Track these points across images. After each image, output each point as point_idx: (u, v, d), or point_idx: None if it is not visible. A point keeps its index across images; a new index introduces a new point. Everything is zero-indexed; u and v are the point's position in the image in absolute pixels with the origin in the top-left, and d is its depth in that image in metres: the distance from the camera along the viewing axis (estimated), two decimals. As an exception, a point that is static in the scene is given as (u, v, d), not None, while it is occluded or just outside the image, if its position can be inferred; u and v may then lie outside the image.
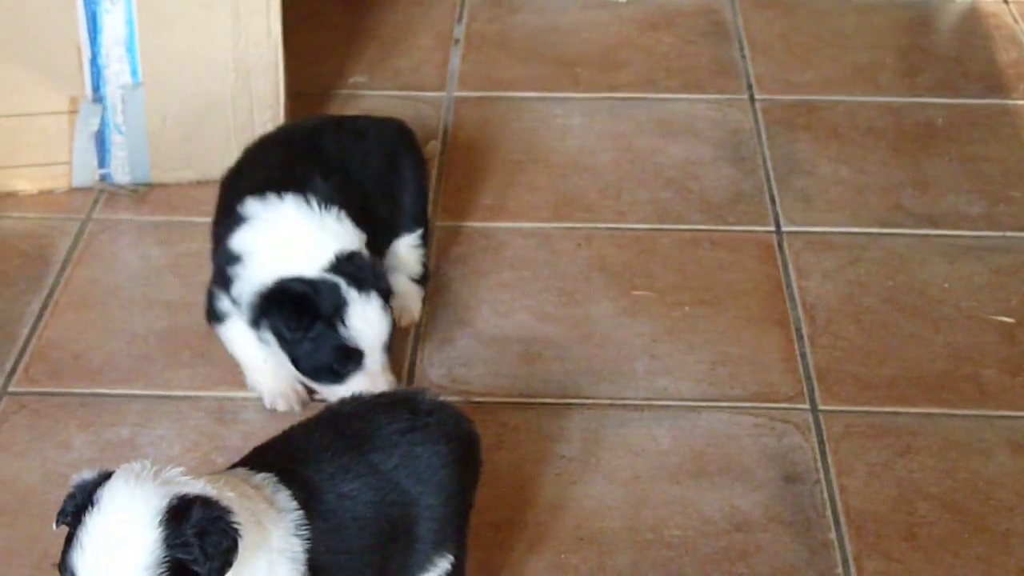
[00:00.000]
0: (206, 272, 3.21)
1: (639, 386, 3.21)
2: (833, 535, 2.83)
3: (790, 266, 3.56)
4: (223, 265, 3.08)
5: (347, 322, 2.94)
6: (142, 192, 3.77)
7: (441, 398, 2.58)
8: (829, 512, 2.88)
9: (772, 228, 3.70)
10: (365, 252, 3.04)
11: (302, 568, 2.31)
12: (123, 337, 3.34)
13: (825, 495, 2.92)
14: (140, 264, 3.58)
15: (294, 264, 2.97)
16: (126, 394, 3.18)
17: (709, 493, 2.94)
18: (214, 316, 3.14)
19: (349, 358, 2.97)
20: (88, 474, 2.22)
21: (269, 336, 3.01)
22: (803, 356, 3.28)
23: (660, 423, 3.11)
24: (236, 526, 2.18)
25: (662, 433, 3.09)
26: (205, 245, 3.28)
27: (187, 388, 3.19)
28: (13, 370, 3.22)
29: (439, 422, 2.51)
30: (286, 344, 2.98)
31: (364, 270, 2.99)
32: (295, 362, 3.01)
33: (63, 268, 3.53)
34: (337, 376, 2.98)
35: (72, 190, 3.77)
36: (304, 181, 3.07)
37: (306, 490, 2.35)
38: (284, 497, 2.33)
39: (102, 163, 3.76)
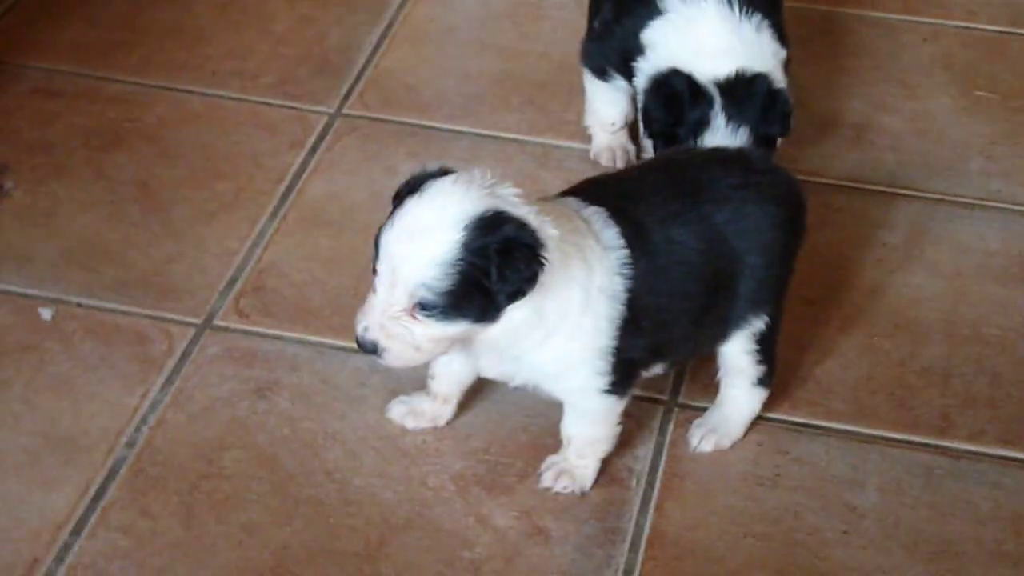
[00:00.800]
0: (543, 23, 3.19)
1: (972, 185, 3.11)
2: None
3: None
4: (623, 52, 2.94)
5: (701, 143, 2.75)
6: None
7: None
8: None
9: None
10: (777, 75, 2.81)
11: (621, 307, 2.31)
12: (455, 75, 3.37)
13: None
14: (478, 8, 3.59)
15: (694, 62, 2.77)
16: (454, 130, 3.21)
17: (1034, 298, 2.85)
18: (594, 68, 3.06)
19: None
20: (432, 166, 2.26)
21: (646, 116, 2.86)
22: None
23: (990, 223, 3.01)
24: (543, 260, 2.18)
25: (991, 233, 2.99)
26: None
27: (514, 131, 3.21)
28: (348, 94, 3.29)
29: (772, 183, 2.47)
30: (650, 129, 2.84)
31: (750, 99, 2.75)
32: (656, 144, 2.87)
33: (403, 3, 3.57)
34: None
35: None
36: None
37: (635, 229, 2.34)
38: (612, 234, 2.33)
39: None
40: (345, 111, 3.24)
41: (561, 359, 2.29)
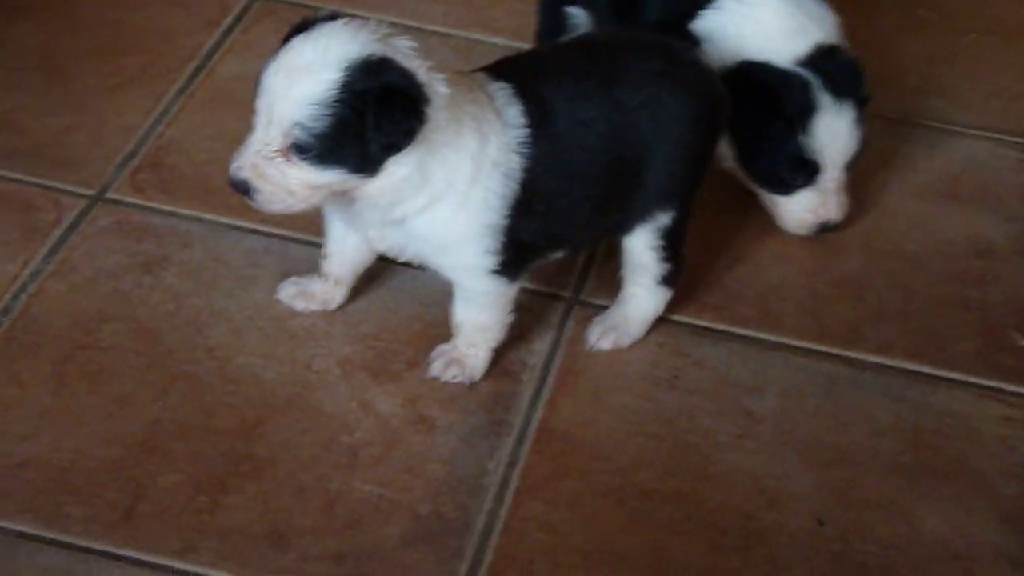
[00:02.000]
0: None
1: (906, 102, 3.02)
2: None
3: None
4: None
5: (810, 130, 2.55)
6: None
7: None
8: (1082, 257, 2.70)
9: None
10: (844, 43, 2.63)
11: (515, 186, 2.23)
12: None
13: (1081, 240, 2.73)
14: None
15: (765, 48, 2.56)
16: (375, 19, 3.09)
17: (957, 217, 2.77)
18: None
19: (802, 170, 2.59)
20: (325, 12, 2.18)
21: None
22: (1088, 102, 3.05)
23: (918, 140, 2.93)
24: (424, 114, 2.09)
25: (918, 151, 2.91)
26: None
27: (439, 23, 3.11)
28: (270, -22, 3.19)
29: (694, 75, 2.37)
30: (737, 140, 2.61)
31: (845, 70, 2.58)
32: (743, 160, 2.64)
33: None
34: (784, 186, 2.62)
35: None
36: None
37: (540, 109, 2.25)
38: (515, 112, 2.23)
39: None
40: (266, -3, 3.14)
41: (447, 230, 2.21)
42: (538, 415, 2.35)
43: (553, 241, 2.32)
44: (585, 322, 2.49)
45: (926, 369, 2.48)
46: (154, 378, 2.33)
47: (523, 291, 2.50)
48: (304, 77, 2.07)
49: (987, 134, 2.96)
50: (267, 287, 2.49)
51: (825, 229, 2.65)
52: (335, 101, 2.06)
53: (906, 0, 3.31)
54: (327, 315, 2.46)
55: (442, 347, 2.39)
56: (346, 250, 2.42)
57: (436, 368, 2.37)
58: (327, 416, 2.31)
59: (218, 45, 2.98)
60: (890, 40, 3.20)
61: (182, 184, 2.67)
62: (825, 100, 2.54)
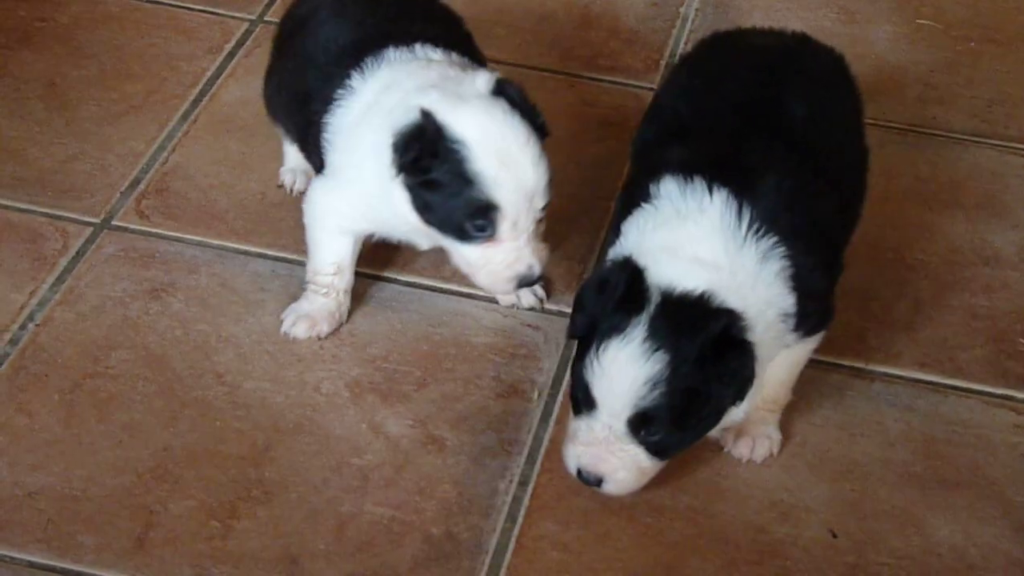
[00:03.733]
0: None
1: (908, 111, 3.02)
2: (1089, 285, 2.65)
3: (1093, 17, 3.31)
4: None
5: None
6: None
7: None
8: (1089, 263, 2.69)
9: (1081, -22, 3.43)
10: (758, 326, 2.12)
11: None
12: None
13: (1088, 246, 2.73)
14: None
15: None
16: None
17: (962, 225, 2.76)
18: None
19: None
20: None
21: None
22: (1090, 105, 3.05)
23: (923, 150, 2.93)
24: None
25: (923, 160, 2.91)
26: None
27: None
28: (271, 1, 3.19)
29: None
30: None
31: (688, 332, 2.08)
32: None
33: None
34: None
35: None
36: None
37: None
38: None
39: None
40: (268, 18, 3.14)
41: None
42: (548, 433, 2.34)
43: None
44: (593, 339, 2.48)
45: (935, 378, 2.47)
46: (163, 405, 2.33)
47: (529, 310, 2.51)
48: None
49: (990, 141, 2.96)
50: (274, 311, 2.49)
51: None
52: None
53: (904, 10, 3.31)
54: (334, 338, 2.46)
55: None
56: (352, 259, 2.44)
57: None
58: (337, 439, 2.30)
59: (221, 70, 2.99)
60: (889, 49, 3.20)
61: (187, 210, 2.67)
62: (634, 334, 2.07)
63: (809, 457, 2.33)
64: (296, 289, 2.51)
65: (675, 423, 2.08)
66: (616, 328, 2.06)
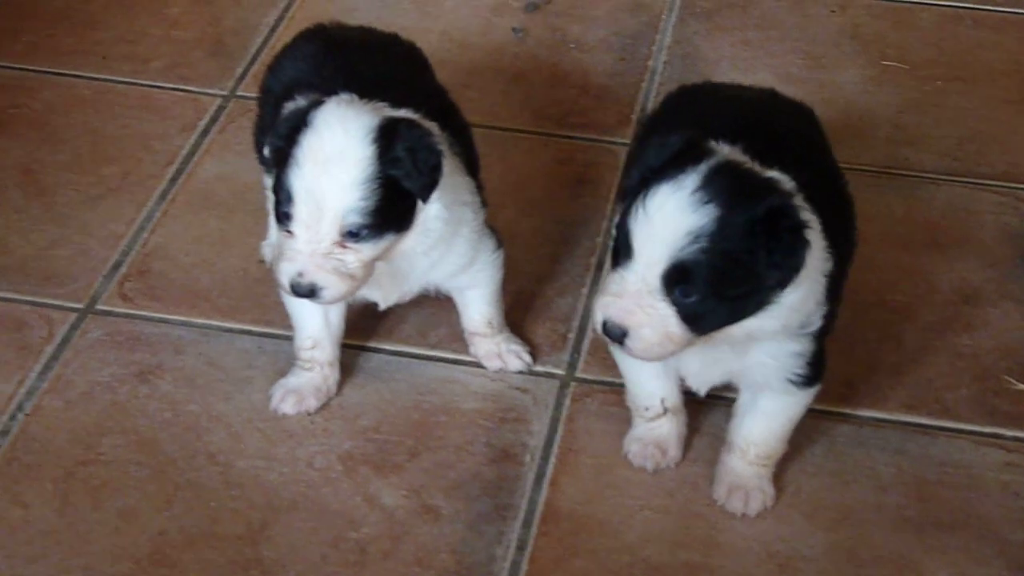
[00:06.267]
0: (444, 2, 3.11)
1: (879, 153, 3.05)
2: (1069, 319, 2.67)
3: (1056, 50, 3.35)
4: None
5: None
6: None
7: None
8: (1068, 296, 2.71)
9: (1041, 11, 3.48)
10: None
11: None
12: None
13: (1065, 279, 2.75)
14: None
15: None
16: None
17: (940, 264, 2.79)
18: None
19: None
20: (301, 101, 2.24)
21: None
22: (1058, 140, 3.08)
23: (897, 191, 2.95)
24: (439, 145, 2.21)
25: (897, 201, 2.93)
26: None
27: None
28: (244, 75, 3.21)
29: None
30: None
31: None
32: None
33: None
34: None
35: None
36: None
37: None
38: None
39: None
40: (240, 92, 3.15)
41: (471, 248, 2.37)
42: (542, 496, 2.35)
43: None
44: (582, 399, 2.50)
45: (924, 420, 2.49)
46: (157, 488, 2.33)
47: (517, 373, 2.52)
48: (342, 165, 2.16)
49: (963, 179, 2.98)
50: (263, 387, 2.50)
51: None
52: (377, 175, 2.17)
53: (870, 52, 3.34)
54: (324, 411, 2.47)
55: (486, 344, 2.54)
56: (330, 331, 2.44)
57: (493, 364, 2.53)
58: (332, 513, 2.31)
59: (196, 147, 3.00)
60: (857, 92, 3.23)
61: (170, 290, 2.68)
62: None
63: (803, 506, 2.34)
64: (284, 364, 2.52)
65: (712, 287, 1.96)
66: (668, 176, 1.97)
